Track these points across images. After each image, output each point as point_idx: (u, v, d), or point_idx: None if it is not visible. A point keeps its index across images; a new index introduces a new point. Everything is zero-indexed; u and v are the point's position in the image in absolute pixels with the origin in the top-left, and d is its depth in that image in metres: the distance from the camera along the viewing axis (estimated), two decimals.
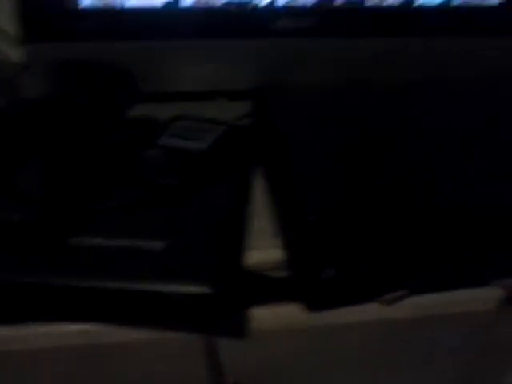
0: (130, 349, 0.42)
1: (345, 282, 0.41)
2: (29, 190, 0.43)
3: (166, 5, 0.57)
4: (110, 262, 0.38)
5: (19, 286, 0.38)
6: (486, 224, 0.43)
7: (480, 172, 0.45)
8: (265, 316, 0.43)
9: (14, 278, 0.37)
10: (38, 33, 0.54)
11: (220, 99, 0.62)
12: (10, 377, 0.43)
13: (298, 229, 0.40)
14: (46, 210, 0.40)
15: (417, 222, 0.41)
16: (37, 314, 0.40)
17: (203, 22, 0.58)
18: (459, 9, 0.63)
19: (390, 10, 0.61)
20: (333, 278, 0.40)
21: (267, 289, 0.44)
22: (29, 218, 0.38)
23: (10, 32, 0.60)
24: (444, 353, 0.51)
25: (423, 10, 0.62)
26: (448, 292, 0.46)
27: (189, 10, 0.57)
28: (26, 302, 0.39)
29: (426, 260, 0.43)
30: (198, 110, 0.55)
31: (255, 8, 0.58)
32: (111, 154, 0.48)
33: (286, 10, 0.59)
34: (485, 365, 0.54)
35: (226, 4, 0.57)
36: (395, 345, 0.48)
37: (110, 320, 0.40)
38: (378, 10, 0.61)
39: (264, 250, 0.44)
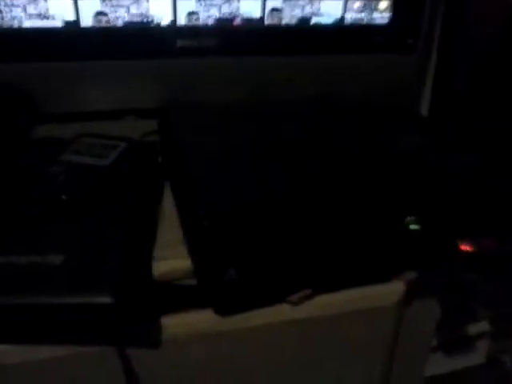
0: (45, 367, 0.41)
1: (249, 283, 0.42)
2: None
3: (67, 25, 0.57)
4: (9, 277, 0.37)
5: None
6: (386, 220, 0.46)
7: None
8: (176, 324, 0.43)
9: None
10: None
11: (128, 117, 0.63)
12: None
13: (198, 235, 0.40)
14: None
15: (316, 220, 0.43)
16: None
17: (105, 42, 0.58)
18: (352, 27, 0.68)
19: (287, 28, 0.65)
20: (235, 279, 0.40)
21: (177, 297, 0.45)
22: None
23: None
24: (357, 349, 0.53)
25: (319, 28, 0.66)
26: (354, 289, 0.48)
27: (90, 30, 0.58)
28: None
29: (329, 258, 0.45)
30: (106, 129, 0.55)
31: (157, 27, 0.60)
32: (14, 173, 0.47)
33: (187, 30, 0.61)
34: (399, 359, 0.56)
35: (128, 23, 0.59)
36: (308, 344, 0.50)
37: (16, 339, 0.39)
38: (276, 29, 0.64)
39: (173, 260, 0.44)
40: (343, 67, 0.68)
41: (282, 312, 0.46)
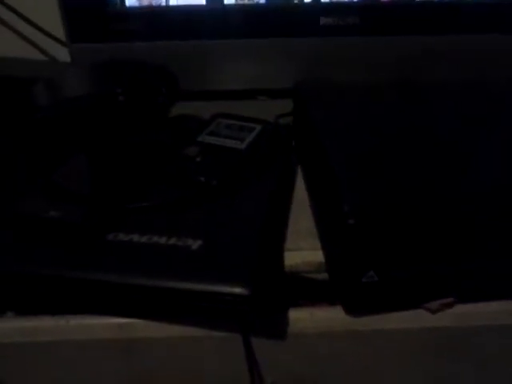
0: (166, 345, 0.42)
1: (386, 286, 0.39)
2: (69, 187, 0.43)
3: (210, 2, 0.56)
4: (145, 258, 0.38)
5: (58, 281, 0.38)
6: None
7: None
8: (304, 318, 0.42)
9: (52, 272, 0.38)
10: (82, 33, 0.55)
11: (261, 98, 0.62)
12: (40, 367, 0.42)
13: (338, 232, 0.38)
14: (85, 208, 0.40)
15: (464, 223, 0.38)
16: (74, 307, 0.40)
17: (247, 20, 0.57)
18: None
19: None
20: (374, 282, 0.38)
21: (307, 291, 0.43)
22: (67, 217, 0.39)
23: (56, 33, 0.61)
24: (492, 369, 0.47)
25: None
26: (502, 301, 0.43)
27: (232, 8, 0.56)
28: (64, 296, 0.39)
29: (476, 264, 0.41)
30: (239, 109, 0.54)
31: (299, 5, 0.57)
32: (151, 152, 0.48)
33: (330, 7, 0.57)
34: None
35: (270, 1, 0.57)
36: (438, 355, 0.46)
37: (144, 315, 0.40)
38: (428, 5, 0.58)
39: (304, 252, 0.43)
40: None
41: (418, 318, 0.43)
